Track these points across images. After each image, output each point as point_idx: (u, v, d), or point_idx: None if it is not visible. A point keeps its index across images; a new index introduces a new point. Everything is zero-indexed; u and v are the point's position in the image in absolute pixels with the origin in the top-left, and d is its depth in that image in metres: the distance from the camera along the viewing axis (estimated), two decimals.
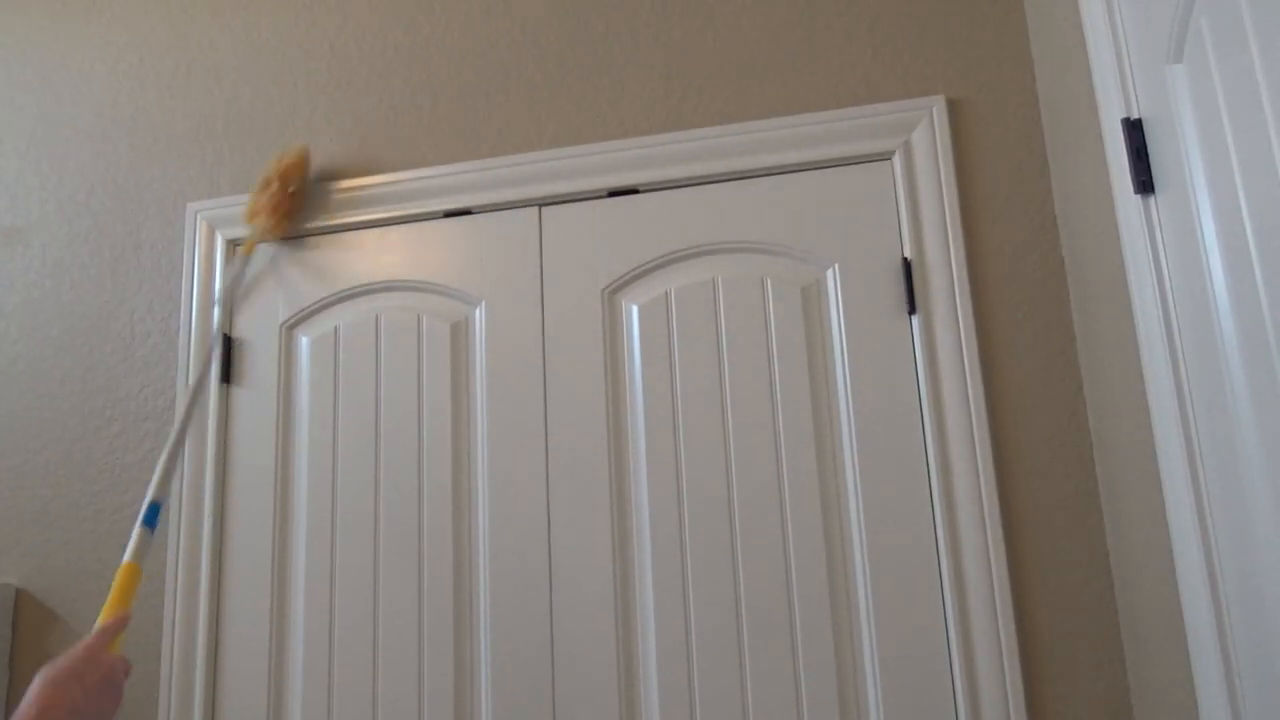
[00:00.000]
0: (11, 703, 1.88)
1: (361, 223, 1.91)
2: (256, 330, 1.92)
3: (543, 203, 1.85)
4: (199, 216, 1.99)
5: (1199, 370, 1.11)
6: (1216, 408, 1.07)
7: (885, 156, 1.72)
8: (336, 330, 1.89)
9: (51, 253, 2.08)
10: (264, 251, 1.96)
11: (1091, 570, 1.52)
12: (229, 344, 1.92)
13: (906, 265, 1.66)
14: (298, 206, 1.90)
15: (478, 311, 1.84)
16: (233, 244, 1.97)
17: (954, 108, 1.71)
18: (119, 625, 1.18)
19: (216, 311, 1.90)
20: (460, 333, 1.84)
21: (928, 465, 1.60)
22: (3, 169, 2.16)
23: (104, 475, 1.94)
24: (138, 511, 1.90)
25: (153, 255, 2.02)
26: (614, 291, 1.79)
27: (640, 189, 1.81)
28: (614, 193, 1.82)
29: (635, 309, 1.77)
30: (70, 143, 2.14)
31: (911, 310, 1.65)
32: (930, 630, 1.55)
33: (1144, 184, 1.21)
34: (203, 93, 2.08)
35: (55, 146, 2.14)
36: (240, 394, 1.90)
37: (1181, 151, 1.10)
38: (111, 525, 1.90)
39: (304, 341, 1.90)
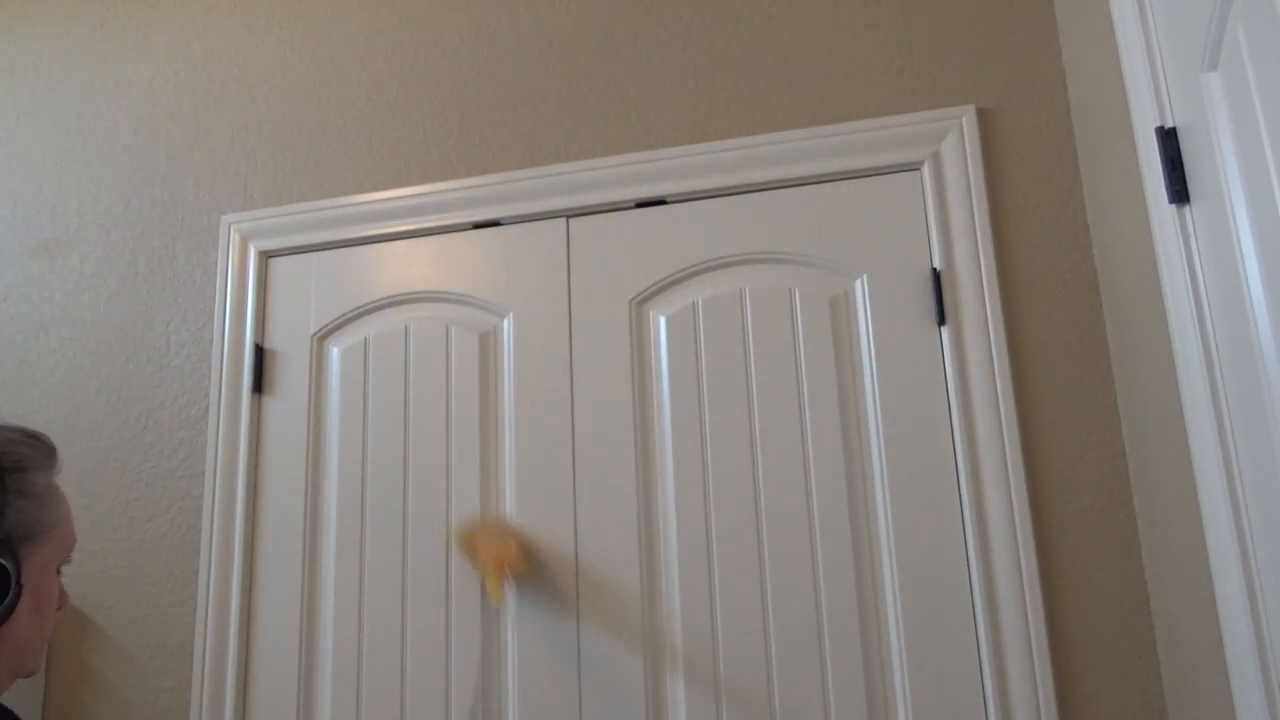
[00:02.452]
0: (47, 709, 1.91)
1: (391, 234, 1.93)
2: (288, 341, 1.94)
3: (571, 214, 1.86)
4: (232, 229, 2.02)
5: (1236, 381, 1.09)
6: (1254, 420, 1.05)
7: (914, 167, 1.71)
8: (366, 341, 1.91)
9: (89, 264, 2.12)
10: (297, 263, 1.98)
11: (1126, 585, 1.50)
12: (260, 354, 1.95)
13: (936, 276, 1.65)
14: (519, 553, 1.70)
15: (506, 322, 1.85)
16: (265, 255, 1.99)
17: (984, 117, 1.70)
18: None
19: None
20: (488, 343, 1.85)
21: (958, 478, 1.58)
22: (43, 183, 2.21)
23: (138, 483, 1.96)
24: (172, 519, 1.92)
25: (187, 267, 2.05)
26: (641, 302, 1.79)
27: (668, 200, 1.81)
28: (642, 204, 1.82)
29: (663, 320, 1.77)
30: (108, 156, 2.18)
31: (941, 321, 1.63)
32: (962, 645, 1.53)
33: (1179, 193, 1.19)
34: (236, 107, 2.11)
35: (93, 160, 2.18)
36: (271, 404, 1.92)
37: (1217, 160, 1.08)
38: (145, 533, 1.93)
39: (334, 352, 1.92)
